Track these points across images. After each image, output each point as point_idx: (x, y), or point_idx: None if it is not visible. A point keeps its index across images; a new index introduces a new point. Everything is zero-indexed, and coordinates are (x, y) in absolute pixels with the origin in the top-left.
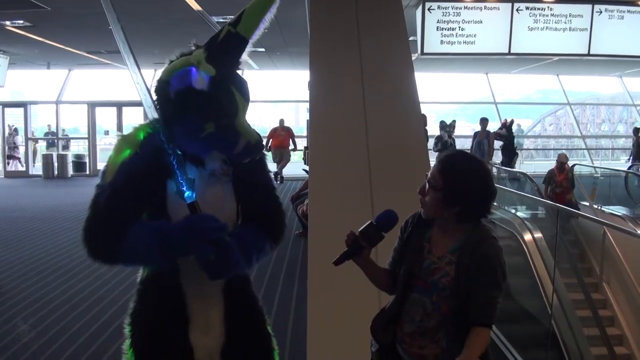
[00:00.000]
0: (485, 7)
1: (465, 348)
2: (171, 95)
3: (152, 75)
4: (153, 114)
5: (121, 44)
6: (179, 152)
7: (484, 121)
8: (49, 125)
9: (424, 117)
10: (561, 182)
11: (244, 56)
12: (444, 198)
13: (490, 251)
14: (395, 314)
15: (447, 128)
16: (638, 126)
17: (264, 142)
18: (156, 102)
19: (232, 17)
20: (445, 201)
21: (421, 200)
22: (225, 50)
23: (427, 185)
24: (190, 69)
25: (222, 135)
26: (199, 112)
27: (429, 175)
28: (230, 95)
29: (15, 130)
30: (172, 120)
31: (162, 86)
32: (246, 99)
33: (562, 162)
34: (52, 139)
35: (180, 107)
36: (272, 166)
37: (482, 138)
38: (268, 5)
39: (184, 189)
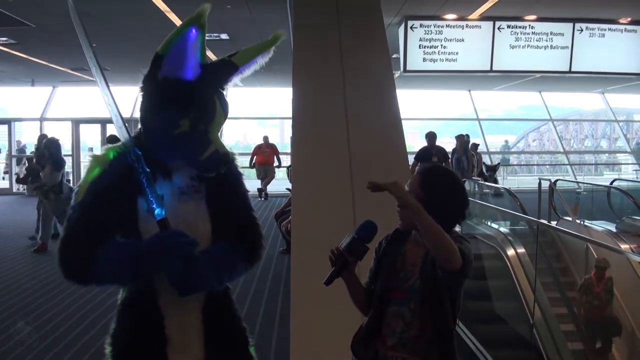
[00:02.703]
0: (467, 25)
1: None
2: (158, 77)
3: (138, 93)
4: (124, 135)
5: (93, 68)
6: (148, 170)
7: (459, 138)
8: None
9: None
10: (599, 293)
11: (231, 83)
12: (426, 210)
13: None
14: (373, 330)
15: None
16: (477, 142)
17: (249, 159)
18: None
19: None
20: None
21: (400, 213)
22: (215, 67)
23: None
24: (191, 29)
25: (194, 137)
26: (179, 102)
27: (407, 188)
28: (212, 101)
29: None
30: (151, 109)
31: (154, 61)
32: (225, 114)
33: (603, 268)
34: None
35: (162, 93)
36: (256, 183)
37: (461, 155)
38: (262, 50)
39: (154, 206)
